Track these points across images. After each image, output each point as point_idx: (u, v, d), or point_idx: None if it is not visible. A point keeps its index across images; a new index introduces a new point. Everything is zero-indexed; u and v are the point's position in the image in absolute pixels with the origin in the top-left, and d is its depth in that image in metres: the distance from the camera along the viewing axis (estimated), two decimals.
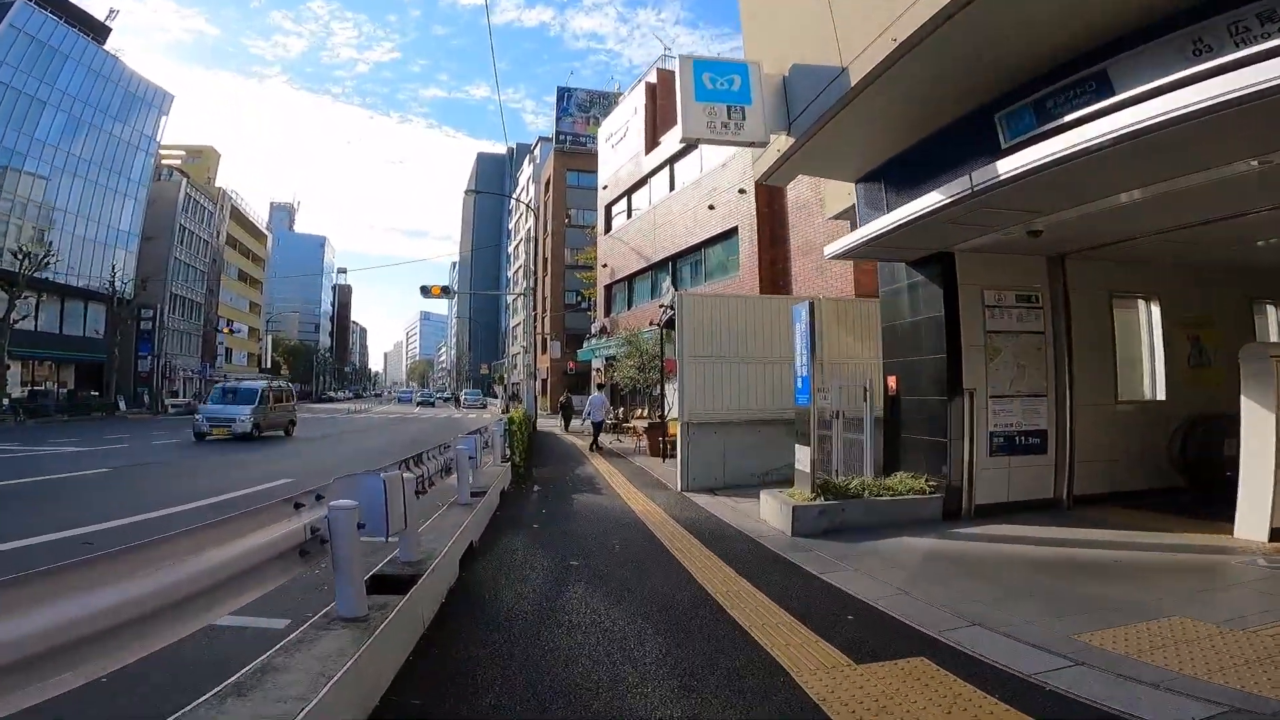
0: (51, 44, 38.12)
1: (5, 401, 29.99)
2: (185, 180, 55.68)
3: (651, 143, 23.59)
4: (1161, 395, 8.22)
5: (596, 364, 25.08)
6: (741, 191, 17.17)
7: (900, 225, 6.39)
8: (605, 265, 25.68)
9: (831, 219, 11.02)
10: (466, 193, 28.99)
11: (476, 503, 6.98)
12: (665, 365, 14.58)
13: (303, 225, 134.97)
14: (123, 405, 46.54)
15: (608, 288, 25.62)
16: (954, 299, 7.31)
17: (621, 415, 22.42)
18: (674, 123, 22.46)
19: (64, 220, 40.35)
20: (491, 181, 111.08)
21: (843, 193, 9.92)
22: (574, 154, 54.29)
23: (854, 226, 8.48)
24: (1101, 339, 7.85)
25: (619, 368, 18.42)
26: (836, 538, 6.68)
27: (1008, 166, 4.95)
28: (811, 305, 7.37)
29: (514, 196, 37.88)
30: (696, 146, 20.45)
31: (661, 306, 11.89)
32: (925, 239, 7.01)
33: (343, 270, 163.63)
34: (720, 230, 18.17)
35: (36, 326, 38.54)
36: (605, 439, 19.81)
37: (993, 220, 6.08)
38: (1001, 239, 6.74)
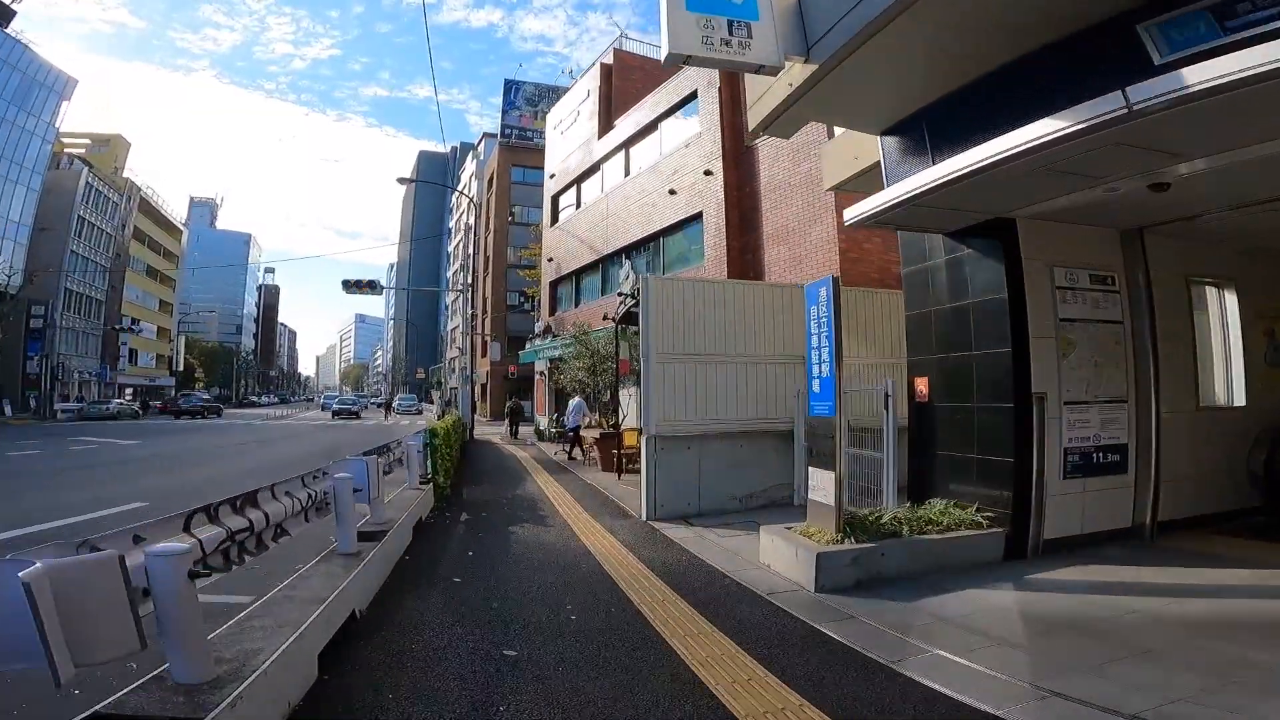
0: None
1: None
2: (87, 169, 50.33)
3: (605, 126, 21.63)
4: (1240, 400, 6.75)
5: (540, 366, 22.80)
6: (708, 173, 15.40)
7: (965, 175, 4.61)
8: (550, 260, 23.50)
9: (830, 190, 9.30)
10: (399, 181, 26.49)
11: (369, 550, 4.83)
12: (620, 367, 12.58)
13: (228, 223, 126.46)
14: (8, 410, 41.54)
15: (553, 284, 23.42)
16: (1018, 278, 5.60)
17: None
18: (630, 105, 20.60)
19: None
20: (433, 176, 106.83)
21: (846, 156, 8.18)
22: (520, 149, 51.91)
23: (865, 194, 6.71)
24: (1181, 331, 6.32)
25: (566, 370, 16.31)
26: (877, 593, 4.84)
27: (1202, 76, 3.23)
28: (835, 283, 5.52)
29: (457, 190, 35.19)
30: (656, 129, 18.67)
31: (620, 296, 9.95)
32: (984, 199, 5.27)
33: (270, 269, 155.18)
34: (682, 216, 16.35)
35: None
36: (549, 448, 17.65)
37: (1117, 166, 4.37)
38: (1074, 203, 5.09)
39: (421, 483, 8.26)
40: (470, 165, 66.58)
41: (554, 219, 24.53)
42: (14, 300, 37.47)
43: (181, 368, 77.84)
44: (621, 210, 19.47)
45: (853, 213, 5.97)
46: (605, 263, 20.30)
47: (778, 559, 5.50)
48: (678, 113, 17.89)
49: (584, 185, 23.09)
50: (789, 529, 5.64)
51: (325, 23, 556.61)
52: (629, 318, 10.76)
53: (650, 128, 19.04)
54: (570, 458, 13.95)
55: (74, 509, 8.20)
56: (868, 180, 7.88)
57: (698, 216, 15.76)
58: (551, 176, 25.26)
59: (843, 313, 8.93)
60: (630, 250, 18.51)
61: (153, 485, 10.99)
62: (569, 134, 24.57)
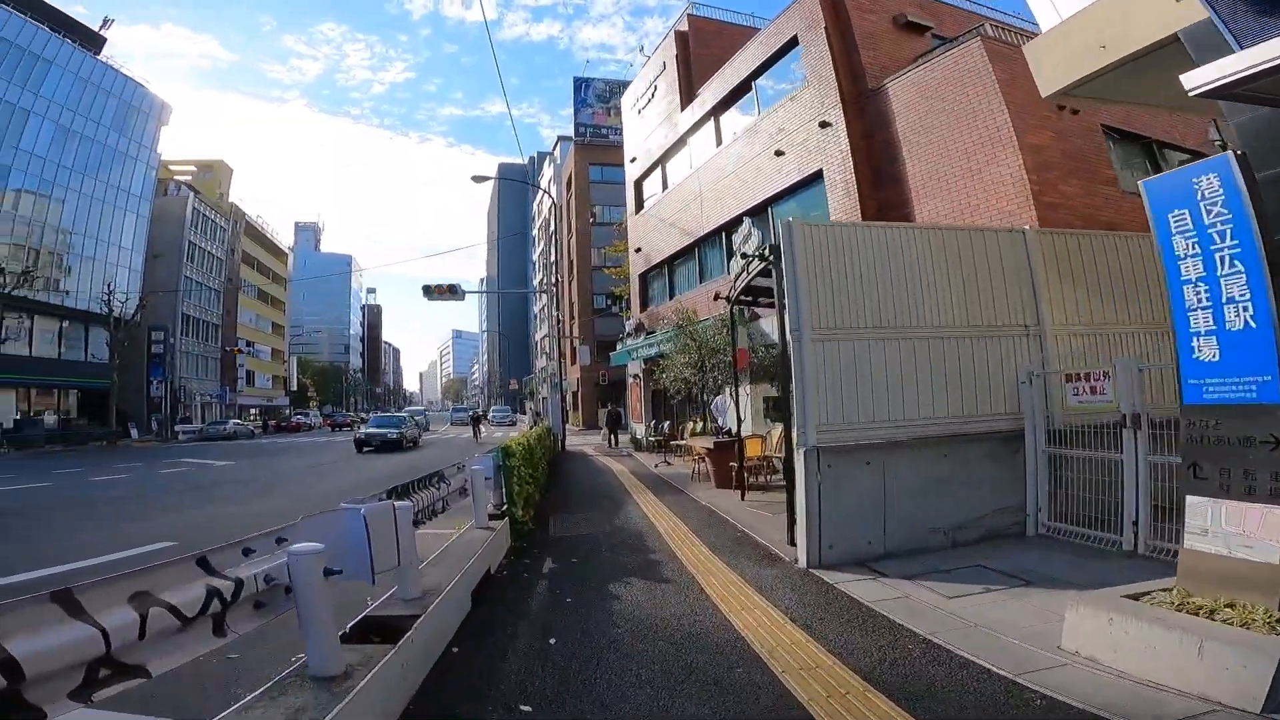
0: (33, 50, 35.46)
1: None
2: (193, 195, 53.18)
3: (688, 97, 19.29)
4: None
5: (633, 369, 20.67)
6: (824, 125, 12.71)
7: None
8: (638, 250, 21.35)
9: (1054, 96, 6.47)
10: (475, 179, 25.40)
11: (363, 672, 2.67)
12: (737, 359, 10.11)
13: (328, 246, 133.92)
14: (134, 433, 43.90)
15: (643, 277, 21.24)
16: None
17: (668, 430, 17.99)
18: (712, 73, 18.09)
19: (57, 237, 37.69)
20: (514, 191, 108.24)
21: (1082, 46, 5.43)
22: (596, 147, 50.48)
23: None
24: None
25: (668, 368, 13.99)
26: None
27: None
28: (1242, 163, 2.91)
29: (532, 184, 33.85)
30: (749, 88, 16.15)
31: (744, 258, 7.49)
32: None
33: (371, 290, 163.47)
34: (795, 179, 13.70)
35: (31, 351, 35.81)
36: (648, 460, 15.39)
37: None
38: None
39: (493, 518, 6.16)
40: (548, 170, 66.08)
41: (638, 206, 22.39)
42: (130, 325, 39.34)
43: (295, 387, 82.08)
44: (715, 185, 17.03)
45: (1213, 73, 3.29)
46: (700, 246, 17.90)
47: (1126, 651, 2.91)
48: (775, 65, 15.29)
49: (669, 165, 20.83)
50: (1139, 598, 3.06)
51: (396, 46, 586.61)
52: (751, 292, 8.31)
53: (742, 88, 16.51)
54: (740, 472, 11.25)
55: (87, 550, 6.67)
56: (1113, 81, 5.29)
57: (816, 176, 13.08)
58: (632, 160, 23.16)
59: (1085, 265, 6.18)
60: (730, 229, 16.03)
61: (196, 518, 9.61)
62: (647, 112, 22.42)
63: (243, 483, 14.74)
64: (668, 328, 14.83)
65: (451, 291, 21.57)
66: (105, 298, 36.24)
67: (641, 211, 21.98)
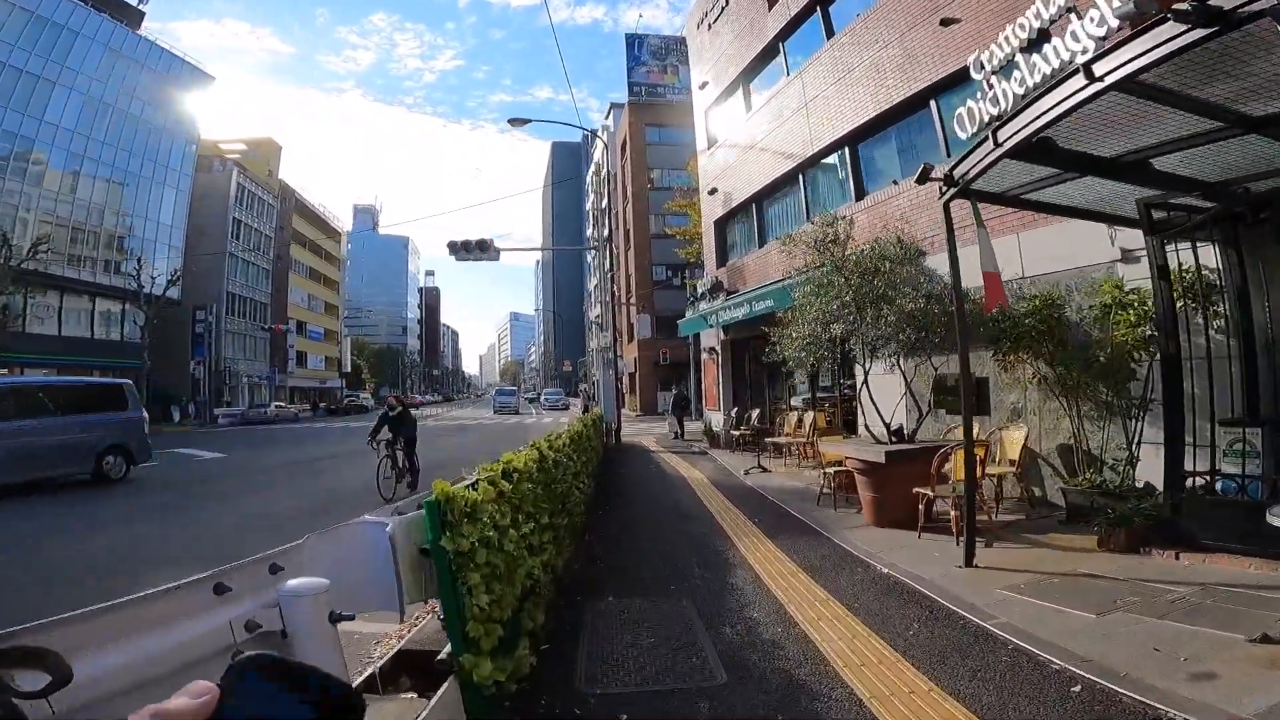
0: (56, 20, 33.28)
1: None
2: (237, 170, 51.25)
3: None
4: None
5: (708, 340, 16.21)
6: None
7: None
8: (713, 191, 16.80)
9: None
10: (511, 122, 22.32)
11: None
12: (990, 293, 5.08)
13: (388, 230, 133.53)
14: (175, 416, 42.38)
15: (720, 224, 16.66)
16: None
17: (754, 421, 13.54)
18: None
19: (87, 213, 35.79)
20: (568, 171, 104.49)
21: None
22: (652, 106, 45.87)
23: None
24: None
25: (801, 317, 8.14)
26: None
27: None
28: None
29: (585, 130, 29.17)
30: None
31: (994, 95, 2.99)
32: None
33: (430, 272, 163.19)
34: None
35: (60, 331, 34.11)
36: (734, 461, 10.89)
37: None
38: None
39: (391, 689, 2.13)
40: (603, 137, 61.79)
41: (711, 140, 17.80)
42: (166, 304, 37.30)
43: (349, 369, 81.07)
44: (830, 88, 12.36)
45: None
46: (805, 173, 13.21)
47: None
48: None
49: (754, 81, 16.17)
50: None
51: (444, 34, 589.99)
52: (1027, 154, 3.77)
53: None
54: (970, 510, 6.75)
55: None
56: None
57: None
58: (703, 87, 18.53)
59: None
60: (860, 138, 11.37)
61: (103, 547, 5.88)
62: (720, 27, 17.77)
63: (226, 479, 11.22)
64: (803, 263, 9.26)
65: (481, 249, 17.56)
66: (135, 273, 34.11)
67: (715, 146, 17.39)
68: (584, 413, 17.26)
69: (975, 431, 4.93)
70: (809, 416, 11.21)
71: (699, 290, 16.58)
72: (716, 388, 15.83)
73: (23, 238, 29.20)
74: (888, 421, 7.00)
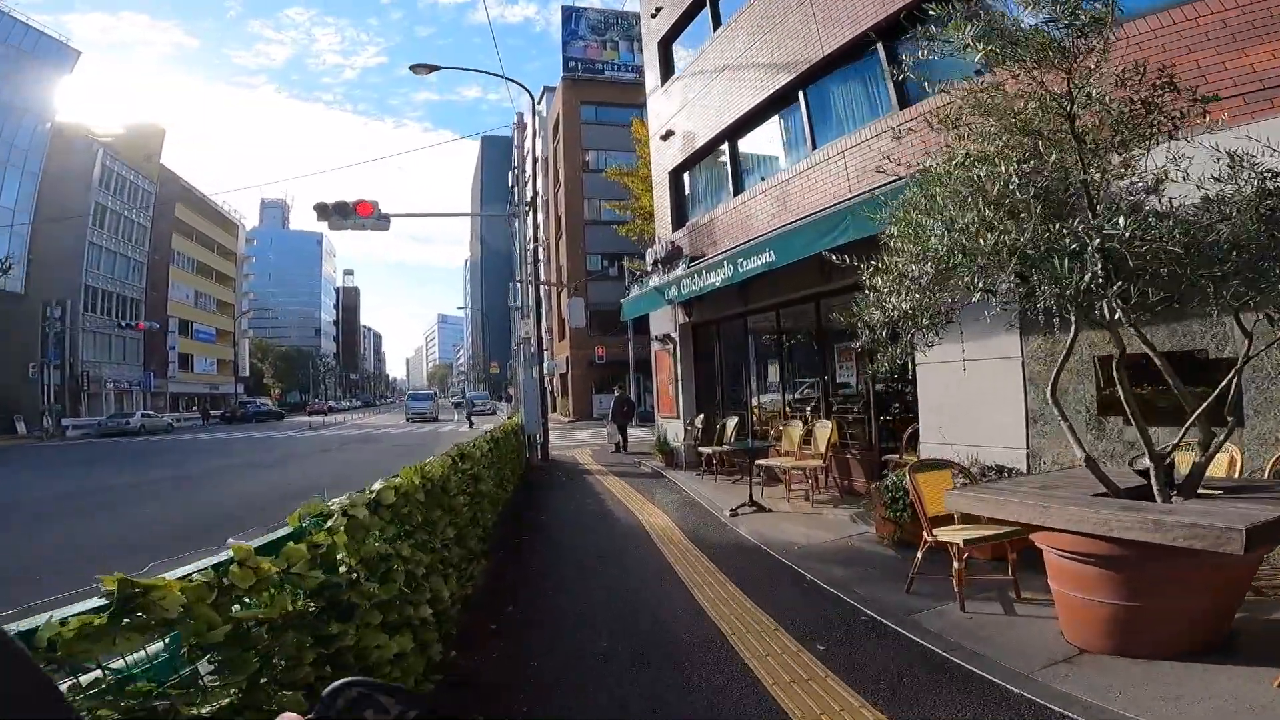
0: None
1: None
2: (102, 150, 43.99)
3: None
4: None
5: (662, 326, 12.36)
6: None
7: None
8: (668, 135, 13.09)
9: None
10: (414, 69, 18.86)
11: None
12: None
13: (299, 226, 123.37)
14: (21, 428, 35.51)
15: (676, 174, 12.88)
16: None
17: (733, 431, 9.84)
18: None
19: None
20: (499, 165, 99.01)
21: None
22: (589, 83, 42.08)
23: None
24: None
25: (887, 272, 3.37)
26: None
27: None
28: None
29: (503, 76, 24.58)
30: None
31: None
32: None
33: (349, 272, 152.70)
34: None
35: None
36: (703, 488, 7.02)
37: None
38: None
39: None
40: (533, 122, 57.40)
41: (667, 73, 14.08)
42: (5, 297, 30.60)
43: (248, 373, 73.03)
44: None
45: None
46: (806, 86, 9.52)
47: None
48: None
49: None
50: None
51: (367, 30, 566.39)
52: None
53: None
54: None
55: None
56: None
57: None
58: (655, 14, 14.78)
59: None
60: (888, 29, 7.79)
61: None
62: None
63: None
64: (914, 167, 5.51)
65: (351, 214, 13.00)
66: None
67: (672, 80, 13.65)
68: (510, 418, 13.24)
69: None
70: (822, 428, 7.57)
71: (649, 261, 12.81)
72: (673, 387, 12.07)
73: None
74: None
